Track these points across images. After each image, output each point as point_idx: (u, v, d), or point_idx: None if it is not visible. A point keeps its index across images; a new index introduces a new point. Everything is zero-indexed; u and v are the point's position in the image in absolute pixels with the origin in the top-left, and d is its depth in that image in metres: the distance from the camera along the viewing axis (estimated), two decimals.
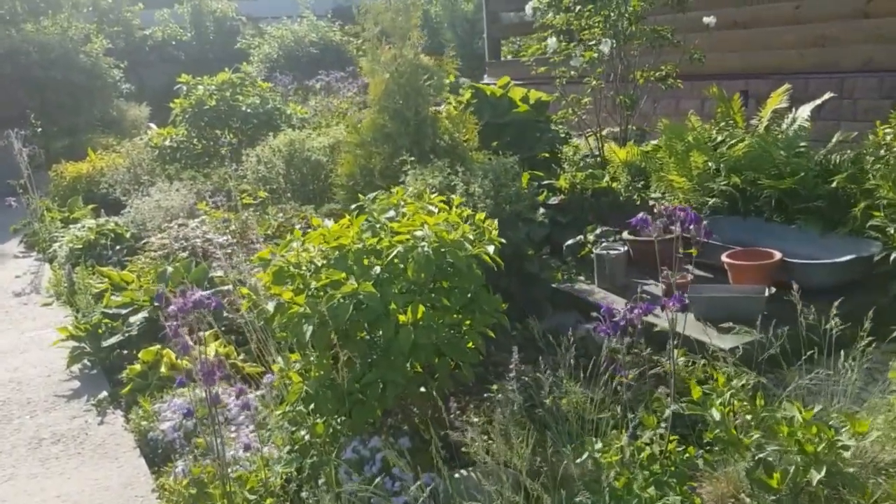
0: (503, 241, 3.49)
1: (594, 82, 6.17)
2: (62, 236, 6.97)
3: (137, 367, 4.00)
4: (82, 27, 13.80)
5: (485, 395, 3.73)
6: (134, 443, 3.56)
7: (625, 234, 5.14)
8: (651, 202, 5.80)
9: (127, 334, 4.30)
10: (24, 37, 12.73)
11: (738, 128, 6.20)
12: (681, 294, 2.63)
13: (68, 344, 4.51)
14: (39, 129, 12.55)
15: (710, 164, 5.62)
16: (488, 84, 7.37)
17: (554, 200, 5.64)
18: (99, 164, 8.69)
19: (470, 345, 3.27)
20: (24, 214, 7.80)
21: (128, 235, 6.56)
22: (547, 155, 6.86)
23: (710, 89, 6.50)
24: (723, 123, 6.22)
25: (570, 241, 5.25)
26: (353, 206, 5.92)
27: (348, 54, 14.13)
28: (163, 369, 3.89)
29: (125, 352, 4.43)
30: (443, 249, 3.19)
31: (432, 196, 3.82)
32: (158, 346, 4.08)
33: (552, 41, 6.20)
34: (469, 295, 3.26)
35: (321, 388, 3.18)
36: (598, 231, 5.24)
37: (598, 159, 6.36)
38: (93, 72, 13.16)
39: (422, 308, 3.10)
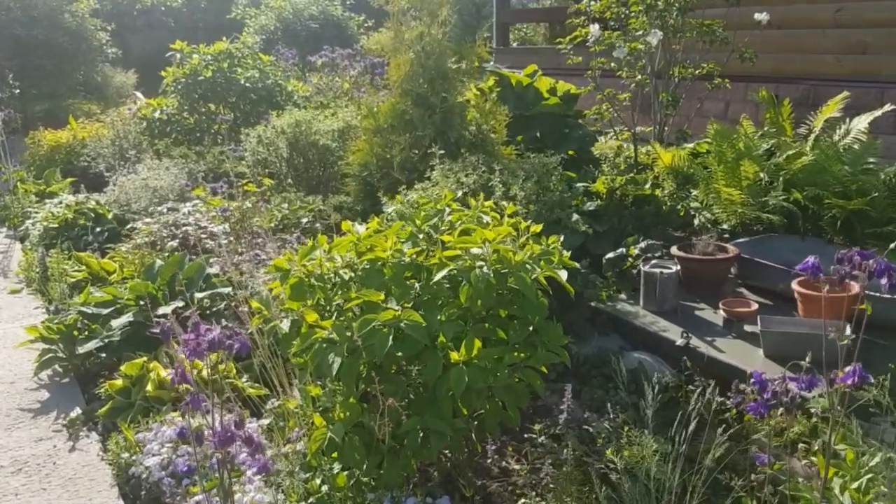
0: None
1: (638, 76, 5.60)
2: (36, 212, 6.31)
3: (119, 381, 3.39)
4: None
5: (525, 435, 3.20)
6: (112, 479, 2.96)
7: (673, 250, 4.59)
8: (693, 213, 5.27)
9: (107, 340, 3.68)
10: None
11: (786, 136, 5.68)
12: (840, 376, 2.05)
13: (38, 345, 3.88)
14: (17, 91, 11.77)
15: (761, 175, 5.09)
16: (511, 71, 6.77)
17: (590, 206, 5.07)
18: (80, 134, 8.01)
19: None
20: None
21: (110, 216, 5.91)
22: (573, 153, 6.30)
23: (759, 92, 5.96)
24: (772, 130, 5.70)
25: (610, 255, 4.69)
26: (368, 203, 5.38)
27: (349, 31, 13.44)
28: (149, 387, 3.28)
29: (103, 356, 3.81)
30: (504, 270, 2.62)
31: (477, 200, 3.25)
32: (144, 359, 3.47)
33: (595, 28, 5.61)
34: (530, 327, 2.69)
35: (348, 433, 2.60)
36: (642, 244, 4.68)
37: (634, 161, 5.80)
38: (77, 33, 12.38)
39: (478, 343, 2.53)
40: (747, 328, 3.94)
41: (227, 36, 11.26)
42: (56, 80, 12.25)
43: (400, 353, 2.56)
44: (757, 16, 5.86)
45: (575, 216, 4.69)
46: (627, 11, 5.94)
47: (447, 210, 3.00)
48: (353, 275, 2.95)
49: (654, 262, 4.38)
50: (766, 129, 5.73)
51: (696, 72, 5.98)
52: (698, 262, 4.45)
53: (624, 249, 4.71)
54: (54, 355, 3.81)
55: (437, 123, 5.08)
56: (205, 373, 3.46)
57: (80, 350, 3.66)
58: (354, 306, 2.74)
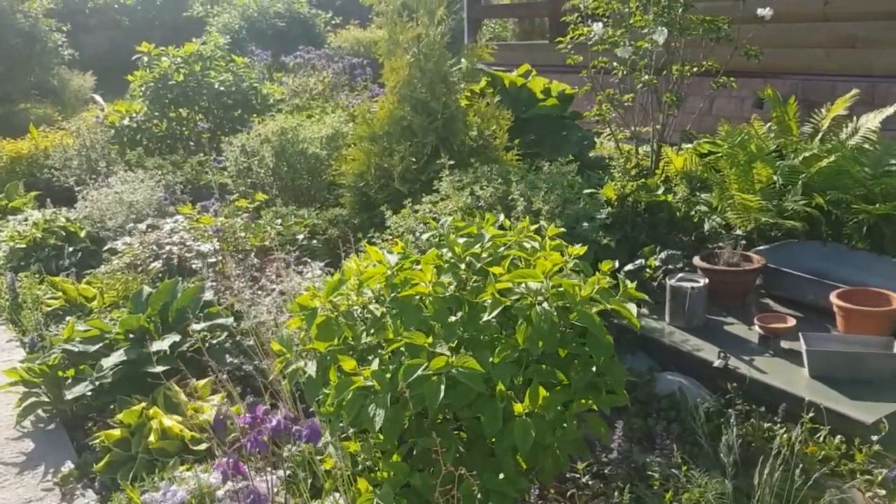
0: None
1: (645, 76, 5.35)
2: (0, 230, 5.86)
3: (115, 431, 3.03)
4: None
5: (568, 475, 2.93)
6: None
7: (696, 261, 4.35)
8: (705, 219, 5.05)
9: (98, 382, 3.32)
10: None
11: (792, 136, 5.50)
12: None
13: (18, 387, 3.50)
14: None
15: (774, 177, 4.89)
16: (504, 71, 6.50)
17: (601, 215, 4.82)
18: (43, 144, 7.52)
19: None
20: None
21: (83, 235, 5.49)
22: (572, 156, 6.05)
23: (764, 91, 5.77)
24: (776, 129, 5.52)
25: (629, 267, 4.43)
26: (366, 215, 5.06)
27: (317, 29, 13.03)
28: (151, 438, 2.93)
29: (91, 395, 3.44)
30: (566, 305, 2.34)
31: (496, 213, 2.97)
32: (143, 405, 3.11)
33: (598, 27, 5.35)
34: (594, 367, 2.41)
35: (397, 496, 2.30)
36: (662, 255, 4.44)
37: (638, 164, 5.56)
38: (31, 35, 11.78)
39: (542, 392, 2.25)
40: (784, 344, 3.72)
41: (187, 34, 10.79)
42: (9, 84, 11.64)
43: (452, 403, 2.27)
44: (760, 11, 5.65)
45: (585, 224, 4.44)
46: (627, 8, 5.69)
47: (486, 235, 2.70)
48: (384, 310, 2.65)
49: (680, 275, 4.13)
50: (773, 129, 5.55)
51: (696, 69, 5.76)
52: (725, 273, 4.22)
53: (643, 261, 4.47)
54: (37, 399, 3.44)
55: (439, 130, 4.79)
56: (211, 418, 3.13)
57: (69, 395, 3.29)
58: (399, 349, 2.43)
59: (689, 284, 4.01)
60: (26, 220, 5.84)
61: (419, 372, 2.25)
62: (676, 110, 5.75)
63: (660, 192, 4.95)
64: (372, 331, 2.59)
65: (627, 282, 2.45)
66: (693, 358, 3.74)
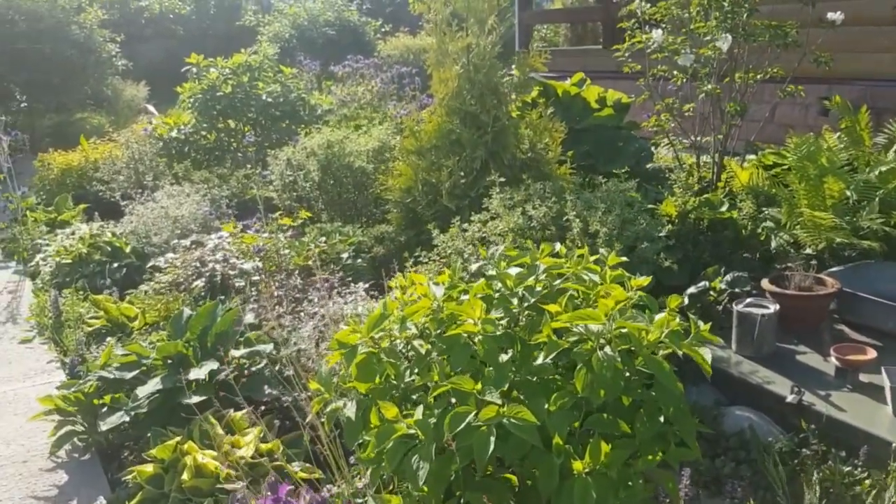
0: None
1: (708, 85, 5.06)
2: (47, 245, 5.83)
3: (148, 468, 2.89)
4: None
5: None
6: None
7: (765, 284, 4.06)
8: (772, 237, 4.74)
9: (133, 412, 3.19)
10: (10, 3, 11.43)
11: (864, 147, 5.15)
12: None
13: (54, 415, 3.39)
14: (24, 105, 11.30)
15: (847, 192, 4.56)
16: (556, 79, 6.26)
17: (662, 233, 4.55)
18: (93, 156, 7.52)
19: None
20: (2, 215, 6.61)
21: (128, 250, 5.42)
22: (629, 169, 5.79)
23: (832, 98, 5.43)
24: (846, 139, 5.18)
25: (692, 289, 4.15)
26: (412, 232, 4.88)
27: (367, 37, 12.94)
28: (185, 476, 2.78)
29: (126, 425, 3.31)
30: (631, 348, 2.11)
31: (547, 231, 2.74)
32: (177, 439, 2.97)
33: (658, 34, 5.08)
34: (661, 417, 2.18)
35: None
36: (728, 277, 4.16)
37: (700, 178, 5.26)
38: (85, 45, 11.91)
39: (605, 447, 2.02)
40: (863, 378, 3.42)
41: (238, 44, 10.78)
42: (64, 95, 11.78)
43: (504, 457, 2.06)
44: (831, 15, 5.31)
45: (645, 244, 4.17)
46: (687, 14, 5.41)
47: (541, 267, 2.48)
48: (429, 347, 2.45)
49: (749, 300, 3.85)
50: (841, 137, 5.21)
51: (759, 77, 5.44)
52: (796, 298, 3.92)
53: (706, 283, 4.18)
54: (72, 429, 3.32)
55: (489, 144, 4.58)
56: (248, 454, 2.98)
57: (103, 427, 3.16)
58: (443, 394, 2.23)
59: (758, 311, 3.73)
60: (73, 233, 5.80)
61: (467, 420, 2.05)
62: (740, 120, 5.44)
63: (724, 208, 4.65)
64: (416, 370, 2.40)
65: (700, 322, 2.20)
66: (763, 391, 3.46)
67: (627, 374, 2.12)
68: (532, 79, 5.22)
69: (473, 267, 2.68)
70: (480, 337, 2.27)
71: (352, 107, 7.91)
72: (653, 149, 6.15)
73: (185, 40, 18.62)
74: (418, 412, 2.15)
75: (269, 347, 3.46)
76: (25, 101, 11.71)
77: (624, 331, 2.11)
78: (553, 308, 2.22)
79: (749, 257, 4.69)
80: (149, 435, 3.16)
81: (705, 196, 4.70)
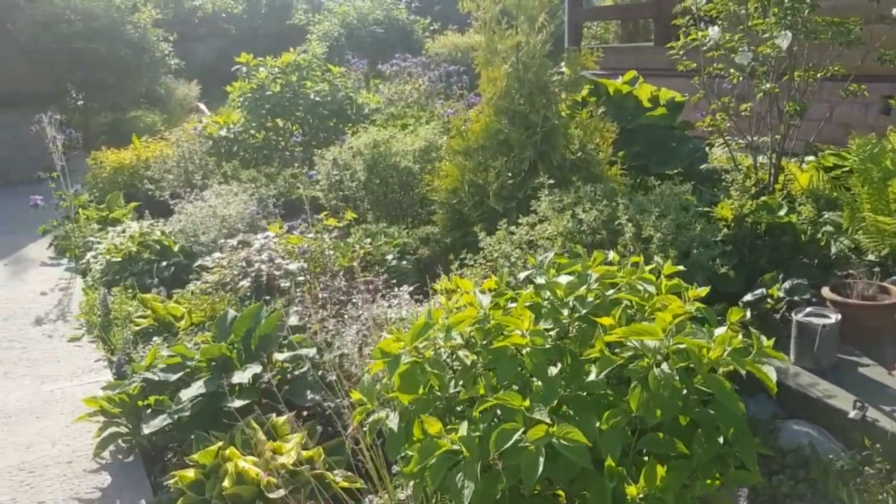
0: None
1: (766, 84, 4.87)
2: (98, 242, 5.90)
3: (190, 473, 2.87)
4: None
5: None
6: None
7: (826, 292, 3.88)
8: (832, 242, 4.55)
9: (176, 416, 3.17)
10: (67, 3, 11.65)
11: None
12: None
13: (99, 416, 3.39)
14: (80, 103, 11.52)
15: None
16: (606, 76, 6.11)
17: (716, 237, 4.39)
18: (144, 154, 7.60)
19: None
20: (55, 213, 6.71)
21: (176, 249, 5.45)
22: (682, 170, 5.62)
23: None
24: None
25: (748, 297, 3.99)
26: (458, 234, 4.79)
27: (415, 35, 12.88)
28: (226, 482, 2.75)
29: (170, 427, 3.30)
30: (689, 365, 1.99)
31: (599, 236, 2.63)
32: (219, 444, 2.93)
33: (714, 31, 4.91)
34: (720, 438, 2.06)
35: None
36: (786, 284, 3.99)
37: (758, 181, 5.07)
38: (140, 45, 12.09)
39: (660, 471, 1.91)
40: None
41: (289, 42, 10.80)
42: (118, 94, 11.97)
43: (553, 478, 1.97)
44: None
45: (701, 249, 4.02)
46: (744, 10, 5.21)
47: (593, 276, 2.38)
48: (475, 357, 2.37)
49: (809, 309, 3.68)
50: None
51: (819, 75, 5.23)
52: (860, 308, 3.74)
53: (764, 290, 4.02)
54: (117, 430, 3.32)
55: (538, 144, 4.47)
56: (289, 461, 2.93)
57: (146, 430, 3.15)
58: (491, 409, 2.15)
59: (819, 320, 3.56)
60: (124, 232, 5.86)
61: (514, 439, 1.96)
62: (798, 120, 5.23)
63: (783, 212, 4.47)
64: (461, 382, 2.32)
65: (763, 337, 2.08)
66: (824, 406, 3.30)
67: (685, 392, 2.01)
68: (583, 77, 5.09)
69: (522, 275, 2.58)
70: (529, 349, 2.18)
71: (399, 105, 7.86)
72: (707, 149, 5.97)
73: (237, 39, 18.85)
74: (463, 428, 2.07)
75: (312, 351, 3.41)
76: (81, 99, 11.93)
77: (682, 346, 1.99)
78: (606, 321, 2.12)
79: (808, 263, 4.51)
80: (192, 438, 3.15)
81: (763, 199, 4.53)
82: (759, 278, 4.20)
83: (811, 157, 5.51)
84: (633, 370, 1.96)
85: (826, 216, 4.51)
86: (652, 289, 2.30)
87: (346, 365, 3.28)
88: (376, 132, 5.62)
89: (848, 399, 3.22)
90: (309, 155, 6.39)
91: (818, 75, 5.16)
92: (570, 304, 2.29)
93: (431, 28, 14.07)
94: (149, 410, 3.27)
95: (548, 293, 2.43)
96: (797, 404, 3.42)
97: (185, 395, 3.22)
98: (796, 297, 3.94)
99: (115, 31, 11.69)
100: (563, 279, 2.42)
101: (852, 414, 3.13)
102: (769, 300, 4.00)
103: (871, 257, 4.42)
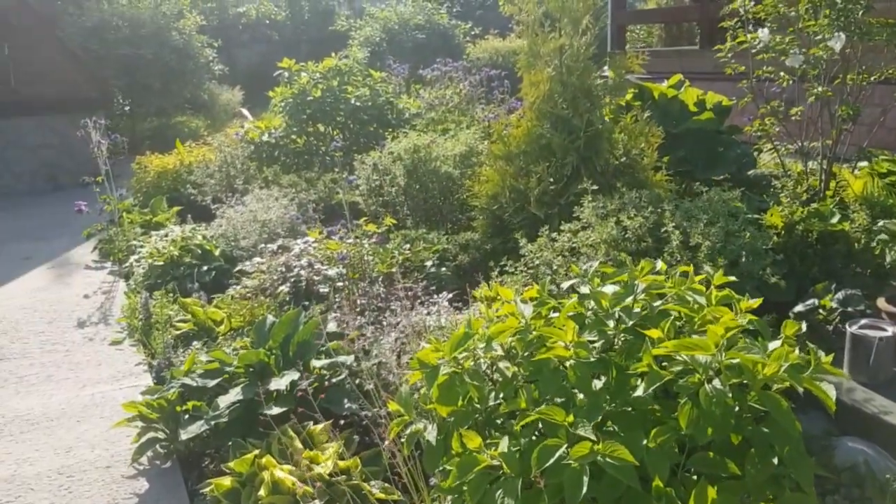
0: None
1: (819, 88, 4.72)
2: (141, 246, 5.95)
3: (226, 481, 2.84)
4: (175, 1, 12.87)
5: None
6: None
7: (882, 304, 3.73)
8: (887, 250, 4.37)
9: (214, 422, 3.15)
10: (114, 10, 11.86)
11: None
12: None
13: (137, 422, 3.39)
14: (126, 108, 11.71)
15: None
16: (650, 80, 5.99)
17: (766, 245, 4.24)
18: (188, 159, 7.67)
19: None
20: (100, 217, 6.80)
21: (217, 253, 5.47)
22: (729, 176, 5.47)
23: None
24: None
25: (799, 307, 3.85)
26: (498, 240, 4.72)
27: (456, 40, 12.85)
28: (262, 492, 2.71)
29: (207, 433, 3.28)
30: (742, 381, 1.90)
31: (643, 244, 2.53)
32: (255, 452, 2.90)
33: (764, 33, 4.77)
34: (775, 458, 1.95)
35: None
36: (839, 295, 3.84)
37: (807, 187, 4.91)
38: (185, 51, 12.25)
39: (711, 493, 1.82)
40: None
41: (330, 48, 10.85)
42: (164, 99, 12.15)
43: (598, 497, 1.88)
44: None
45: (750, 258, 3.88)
46: (794, 11, 5.06)
47: (640, 286, 2.29)
48: (516, 369, 2.30)
49: (864, 321, 3.53)
50: None
51: (873, 78, 5.05)
52: None
53: (815, 301, 3.88)
54: (155, 436, 3.31)
55: (581, 149, 4.38)
56: (325, 471, 2.88)
57: (184, 436, 3.13)
58: (521, 419, 2.07)
59: (875, 333, 3.41)
60: (166, 236, 5.90)
61: (557, 455, 1.88)
62: (851, 124, 5.06)
63: (835, 219, 4.31)
64: (501, 395, 2.25)
65: (821, 353, 1.97)
66: (879, 422, 3.15)
67: (738, 410, 1.91)
68: (627, 81, 4.98)
69: (565, 284, 2.50)
70: (572, 362, 2.10)
71: (439, 110, 7.82)
72: (755, 154, 5.81)
73: (280, 45, 19.04)
74: (503, 443, 2.00)
75: (350, 359, 3.37)
76: (128, 105, 12.13)
77: (735, 361, 1.90)
78: (654, 333, 2.03)
79: (861, 273, 4.34)
80: (229, 444, 3.12)
81: (814, 206, 4.37)
82: (809, 288, 4.05)
83: (864, 163, 5.33)
84: (684, 386, 1.87)
85: (881, 224, 4.34)
86: (702, 300, 2.20)
87: (384, 373, 3.23)
88: (416, 137, 5.57)
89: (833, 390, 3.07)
90: (349, 160, 6.37)
91: (871, 78, 4.99)
92: (616, 315, 2.20)
93: (472, 33, 14.04)
94: (186, 416, 3.26)
95: (591, 303, 2.35)
96: (851, 420, 3.28)
97: (223, 401, 3.20)
98: (850, 309, 3.79)
99: (161, 38, 11.88)
100: (609, 289, 2.34)
101: None
102: (821, 311, 3.86)
103: None
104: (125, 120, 12.05)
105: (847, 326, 3.53)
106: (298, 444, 3.00)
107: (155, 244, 5.77)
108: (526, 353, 2.25)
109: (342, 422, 3.25)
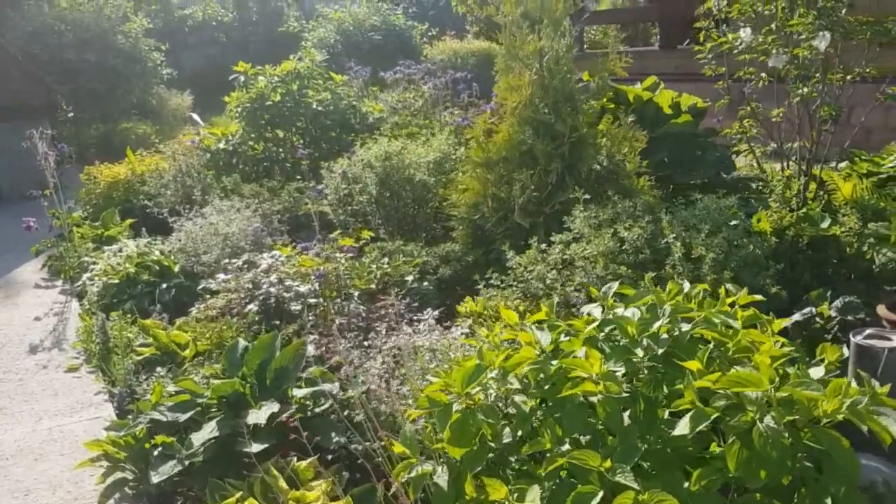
0: None
1: (804, 89, 4.62)
2: (94, 263, 5.59)
3: None
4: (119, 4, 12.38)
5: None
6: None
7: (882, 311, 3.62)
8: (875, 254, 4.28)
9: (188, 461, 2.88)
10: (56, 14, 11.35)
11: None
12: None
13: (101, 459, 3.10)
14: (70, 115, 11.19)
15: None
16: (626, 84, 5.85)
17: (754, 250, 4.12)
18: (139, 168, 7.29)
19: None
20: (49, 232, 6.38)
21: (176, 269, 5.16)
22: (707, 180, 5.37)
23: None
24: None
25: (797, 316, 3.72)
26: (480, 251, 4.51)
27: (413, 41, 12.62)
28: None
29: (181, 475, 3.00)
30: (795, 417, 1.72)
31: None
32: (237, 495, 2.64)
33: (746, 33, 4.66)
34: (828, 500, 1.79)
35: None
36: (837, 303, 3.73)
37: (799, 192, 4.80)
38: (131, 55, 11.80)
39: None
40: None
41: (281, 50, 10.50)
42: (110, 104, 11.66)
43: None
44: None
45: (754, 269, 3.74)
46: (769, 11, 4.96)
47: (664, 310, 2.10)
48: (533, 403, 2.09)
49: (869, 331, 3.41)
50: None
51: (850, 77, 4.98)
52: None
53: (812, 309, 3.75)
54: (122, 476, 3.03)
55: (566, 156, 4.20)
56: None
57: (155, 478, 2.85)
58: (549, 465, 1.87)
59: (882, 343, 3.29)
60: (121, 251, 5.56)
61: None
62: (832, 125, 4.98)
63: (825, 224, 4.21)
64: (519, 432, 2.04)
65: (875, 382, 1.81)
66: (894, 439, 3.02)
67: (791, 449, 1.73)
68: (607, 84, 4.83)
69: (585, 309, 2.29)
70: (601, 397, 1.90)
71: (403, 114, 7.58)
72: (733, 157, 5.72)
73: (229, 47, 18.55)
74: (533, 494, 1.79)
75: (335, 387, 3.12)
76: (72, 111, 11.62)
77: (783, 394, 1.72)
78: (693, 365, 1.84)
79: (852, 278, 4.25)
80: (206, 485, 2.85)
81: (804, 211, 4.27)
82: (800, 294, 3.94)
83: (843, 164, 5.27)
84: (734, 426, 1.68)
85: (872, 228, 4.26)
86: (736, 324, 2.02)
87: (374, 402, 2.99)
88: (387, 143, 5.33)
89: None
90: (313, 167, 6.10)
91: (848, 77, 4.92)
92: (645, 343, 2.01)
93: (430, 34, 13.82)
94: (156, 453, 2.98)
95: (608, 328, 2.17)
96: (863, 437, 3.15)
97: (197, 438, 2.93)
98: (849, 317, 3.68)
99: (105, 41, 11.41)
100: (629, 312, 2.15)
101: None
102: (818, 319, 3.74)
103: None
104: (69, 126, 11.53)
105: (851, 336, 3.40)
106: (283, 484, 2.75)
107: (109, 260, 5.43)
108: (546, 386, 2.05)
109: (329, 456, 3.01)
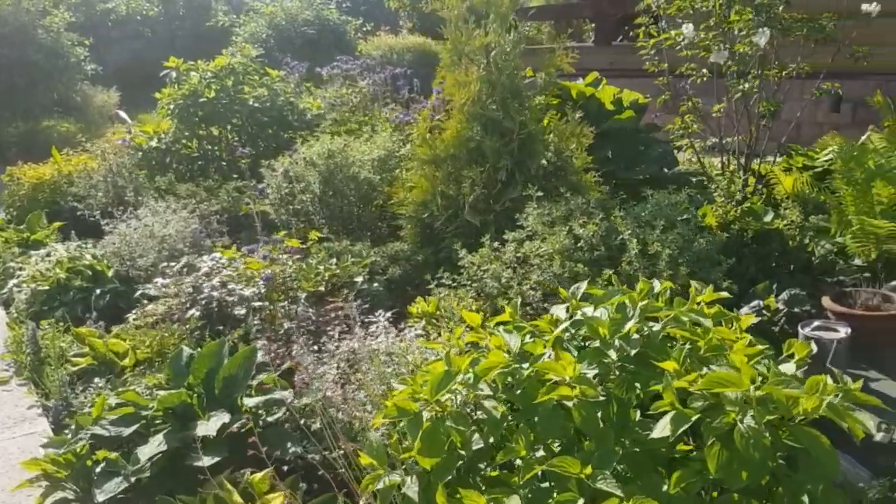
0: None
1: (745, 84, 4.69)
2: (21, 269, 5.31)
3: None
4: None
5: None
6: None
7: (827, 303, 3.69)
8: (815, 246, 4.39)
9: (135, 478, 2.73)
10: None
11: None
12: None
13: (40, 479, 2.92)
14: None
15: None
16: (566, 80, 5.86)
17: (703, 244, 4.16)
18: (66, 169, 6.98)
19: None
20: None
21: (110, 274, 4.94)
22: (650, 175, 5.41)
23: (875, 97, 5.10)
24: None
25: (745, 309, 3.77)
26: (430, 250, 4.45)
27: (347, 36, 12.45)
28: None
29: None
30: (778, 417, 1.71)
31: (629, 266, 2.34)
32: None
33: (689, 29, 4.70)
34: (805, 497, 1.78)
35: None
36: (784, 296, 3.79)
37: (744, 186, 4.87)
38: (53, 49, 11.32)
39: None
40: None
41: (209, 45, 10.22)
42: (30, 101, 11.18)
43: None
44: (865, 7, 4.97)
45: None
46: (704, 7, 5.03)
47: (634, 310, 2.07)
48: (504, 409, 2.04)
49: (817, 322, 3.48)
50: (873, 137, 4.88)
51: (785, 73, 5.10)
52: (868, 319, 3.56)
53: (760, 302, 3.81)
54: (64, 496, 2.86)
55: (515, 153, 4.16)
56: None
57: (100, 496, 2.70)
58: (525, 473, 1.82)
59: (829, 335, 3.36)
60: (49, 255, 5.30)
61: None
62: (770, 119, 5.09)
63: (769, 217, 4.29)
64: (490, 439, 1.99)
65: (848, 379, 1.81)
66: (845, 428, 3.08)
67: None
68: (554, 80, 4.82)
69: (554, 310, 2.25)
70: (576, 401, 1.86)
71: (342, 111, 7.44)
72: (675, 152, 5.79)
73: (154, 42, 18.00)
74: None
75: (287, 394, 3.01)
76: None
77: (763, 395, 1.71)
78: (670, 365, 1.82)
79: (794, 271, 4.34)
80: (155, 501, 2.72)
81: (748, 205, 4.34)
82: (748, 288, 4.00)
83: (779, 158, 5.39)
84: (715, 427, 1.66)
85: (812, 221, 4.36)
86: (707, 322, 2.01)
87: (330, 409, 2.89)
88: (329, 141, 5.21)
89: (869, 419, 3.01)
90: (251, 166, 5.93)
91: (783, 73, 5.03)
92: (617, 344, 1.98)
93: (364, 29, 13.68)
94: (99, 468, 2.82)
95: (574, 329, 2.13)
96: (829, 435, 3.21)
97: (143, 453, 2.78)
98: (796, 309, 3.75)
99: (25, 35, 10.92)
100: (598, 313, 2.12)
101: (879, 436, 2.92)
102: (766, 312, 3.79)
103: (858, 262, 4.28)
104: None
105: (800, 329, 3.47)
106: (238, 498, 2.64)
107: (37, 265, 5.16)
108: (517, 391, 1.99)
109: (286, 467, 2.90)
